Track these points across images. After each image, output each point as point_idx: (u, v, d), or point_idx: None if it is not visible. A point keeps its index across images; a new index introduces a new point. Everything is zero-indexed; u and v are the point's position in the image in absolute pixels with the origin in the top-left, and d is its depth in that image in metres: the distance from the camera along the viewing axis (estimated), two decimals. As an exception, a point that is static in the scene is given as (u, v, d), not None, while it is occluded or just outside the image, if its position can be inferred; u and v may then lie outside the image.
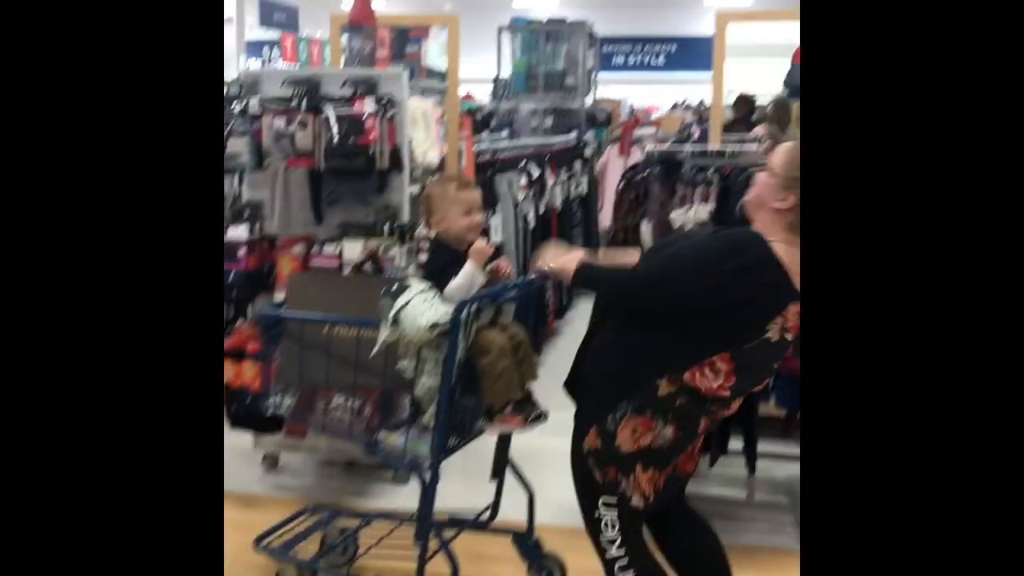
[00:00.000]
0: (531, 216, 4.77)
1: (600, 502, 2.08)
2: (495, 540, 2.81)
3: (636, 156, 8.89)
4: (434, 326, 2.19)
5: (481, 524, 2.72)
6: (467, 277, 2.35)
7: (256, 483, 3.55)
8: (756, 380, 1.97)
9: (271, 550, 2.64)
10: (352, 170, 3.13)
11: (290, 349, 2.49)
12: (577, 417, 2.17)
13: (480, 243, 2.36)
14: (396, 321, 2.25)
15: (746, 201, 2.14)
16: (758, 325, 1.92)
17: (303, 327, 2.45)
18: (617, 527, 2.09)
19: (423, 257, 3.34)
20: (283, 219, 3.37)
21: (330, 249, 3.26)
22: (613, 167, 8.75)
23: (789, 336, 1.95)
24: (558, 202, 5.37)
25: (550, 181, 5.21)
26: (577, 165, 6.20)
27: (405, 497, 3.33)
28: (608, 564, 2.14)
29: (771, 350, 1.95)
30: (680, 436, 1.99)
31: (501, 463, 2.67)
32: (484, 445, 2.58)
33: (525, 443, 2.65)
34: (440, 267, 2.42)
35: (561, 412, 2.36)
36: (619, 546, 2.10)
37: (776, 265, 1.92)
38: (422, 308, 2.22)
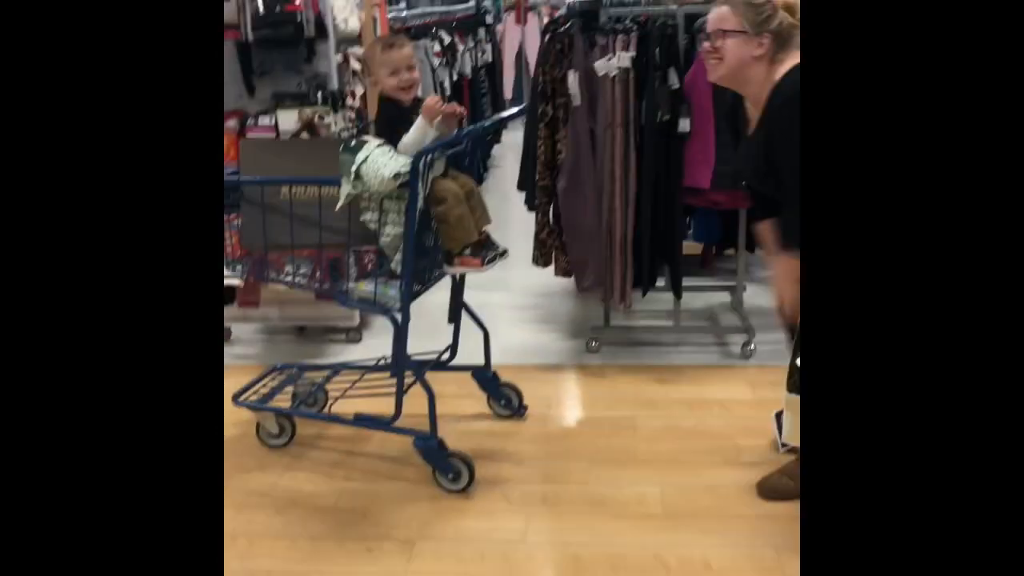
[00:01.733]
0: (447, 83, 4.86)
1: None
2: (453, 380, 3.07)
3: (533, 23, 8.92)
4: (396, 176, 2.34)
5: (443, 364, 2.96)
6: (419, 132, 2.48)
7: (212, 355, 3.68)
8: None
9: (249, 404, 2.82)
10: (281, 39, 3.16)
11: (251, 214, 2.60)
12: None
13: (431, 99, 2.48)
14: (358, 175, 2.38)
15: (720, 78, 2.22)
16: None
17: (264, 191, 2.55)
18: None
19: (356, 123, 3.44)
20: (214, 94, 3.38)
21: (265, 120, 3.31)
22: (510, 35, 8.78)
23: None
24: (468, 69, 5.44)
25: (460, 47, 5.26)
26: (481, 32, 6.23)
27: (357, 355, 3.54)
28: None
29: None
30: None
31: (457, 307, 2.89)
32: (430, 305, 2.79)
33: (469, 299, 2.87)
34: (390, 123, 2.54)
35: (496, 271, 2.58)
36: None
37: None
38: (383, 160, 2.36)
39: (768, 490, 2.43)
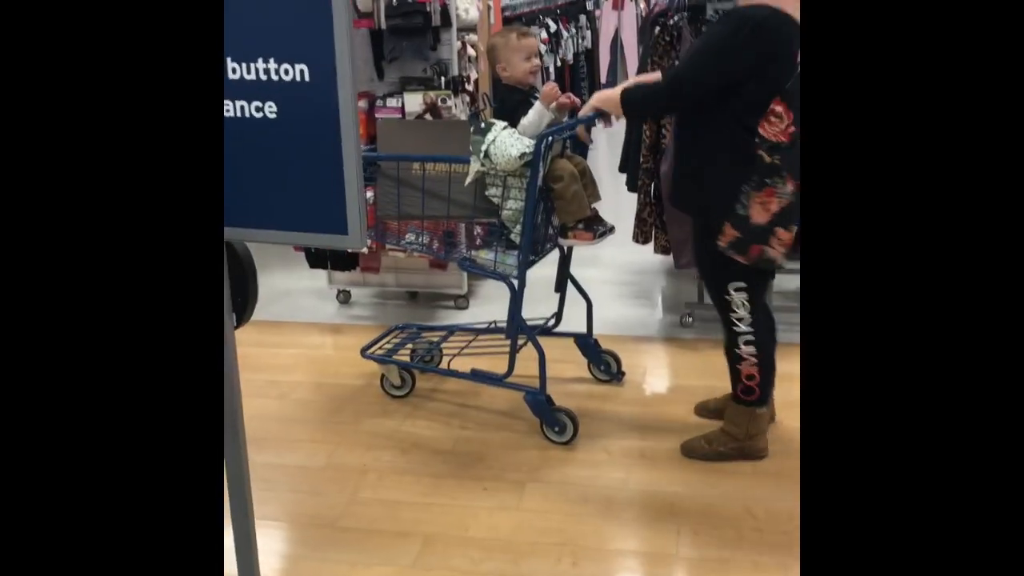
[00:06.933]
0: (551, 69, 5.09)
1: (731, 288, 2.50)
2: (557, 345, 3.33)
3: (630, 9, 9.06)
4: (523, 155, 2.61)
5: (548, 330, 3.23)
6: (537, 115, 2.73)
7: (335, 315, 4.04)
8: None
9: (376, 357, 3.15)
10: (411, 28, 3.45)
11: (386, 187, 2.90)
12: (702, 222, 2.52)
13: (549, 85, 2.74)
14: (487, 154, 2.66)
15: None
16: (789, 66, 2.30)
17: (398, 166, 2.84)
18: (747, 307, 2.52)
19: (471, 106, 3.72)
20: (347, 76, 3.70)
21: (392, 102, 3.62)
22: (607, 21, 8.93)
23: None
24: (570, 55, 5.66)
25: (564, 35, 5.48)
26: (583, 19, 6.43)
27: (464, 320, 3.83)
28: (734, 336, 2.60)
29: None
30: (798, 184, 2.31)
31: (563, 278, 3.15)
32: (536, 277, 3.05)
33: (575, 273, 3.13)
34: (511, 107, 2.80)
35: (592, 249, 2.79)
36: (748, 324, 2.55)
37: (780, 16, 2.29)
38: (510, 141, 2.63)
39: (688, 450, 2.72)
